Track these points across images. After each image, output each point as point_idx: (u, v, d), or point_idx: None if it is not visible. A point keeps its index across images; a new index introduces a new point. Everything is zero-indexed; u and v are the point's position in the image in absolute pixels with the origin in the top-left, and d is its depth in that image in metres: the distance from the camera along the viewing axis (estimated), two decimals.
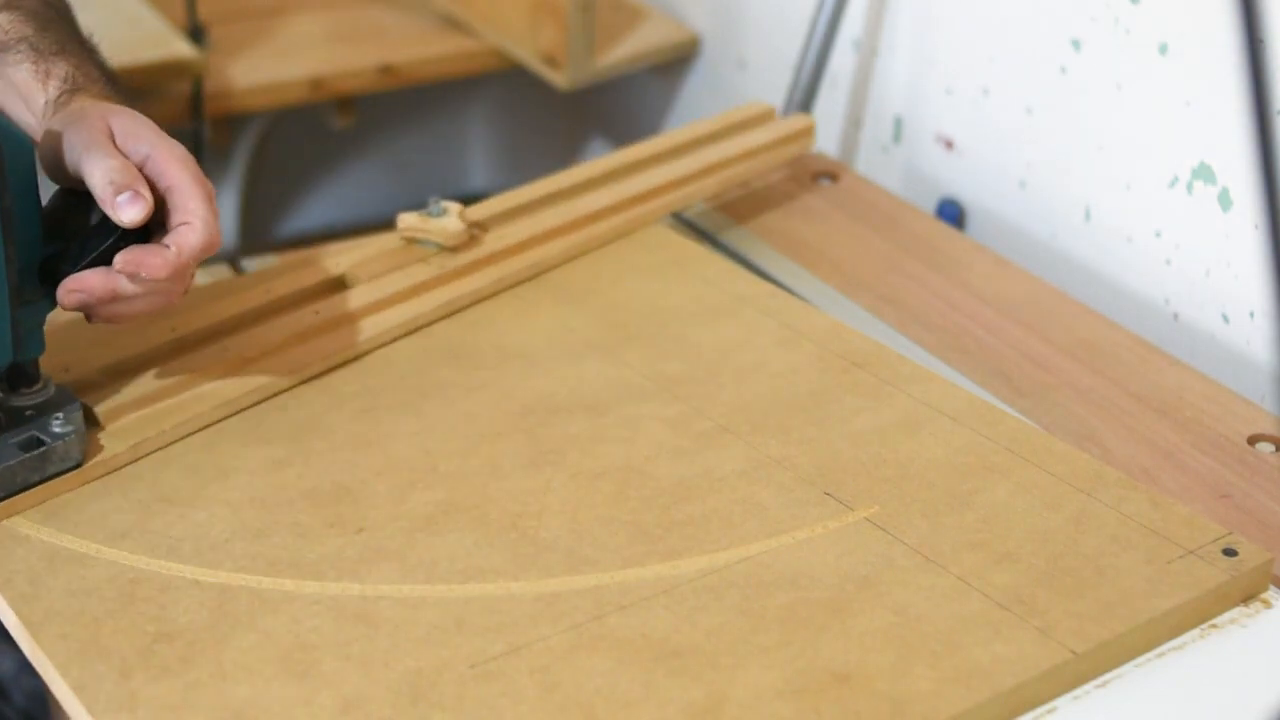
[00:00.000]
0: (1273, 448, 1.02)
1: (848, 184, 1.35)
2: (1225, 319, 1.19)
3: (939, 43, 1.41)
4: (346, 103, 1.77)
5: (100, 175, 0.85)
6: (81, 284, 0.87)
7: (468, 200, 1.17)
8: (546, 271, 1.15)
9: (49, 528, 0.88)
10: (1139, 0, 1.21)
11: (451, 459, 0.95)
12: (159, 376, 0.98)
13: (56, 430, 0.90)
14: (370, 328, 1.05)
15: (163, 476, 0.92)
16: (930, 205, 1.43)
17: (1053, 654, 0.81)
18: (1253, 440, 1.03)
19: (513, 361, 1.05)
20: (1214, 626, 0.86)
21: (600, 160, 1.25)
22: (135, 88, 1.50)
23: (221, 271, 1.17)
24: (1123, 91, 1.24)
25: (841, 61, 1.51)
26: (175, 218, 0.87)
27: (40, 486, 0.90)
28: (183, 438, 0.95)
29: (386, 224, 1.15)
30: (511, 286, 1.13)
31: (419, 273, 1.10)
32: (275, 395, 1.00)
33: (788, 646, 0.81)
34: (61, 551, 0.86)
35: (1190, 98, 1.18)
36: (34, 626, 0.81)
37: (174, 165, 0.87)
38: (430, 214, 1.13)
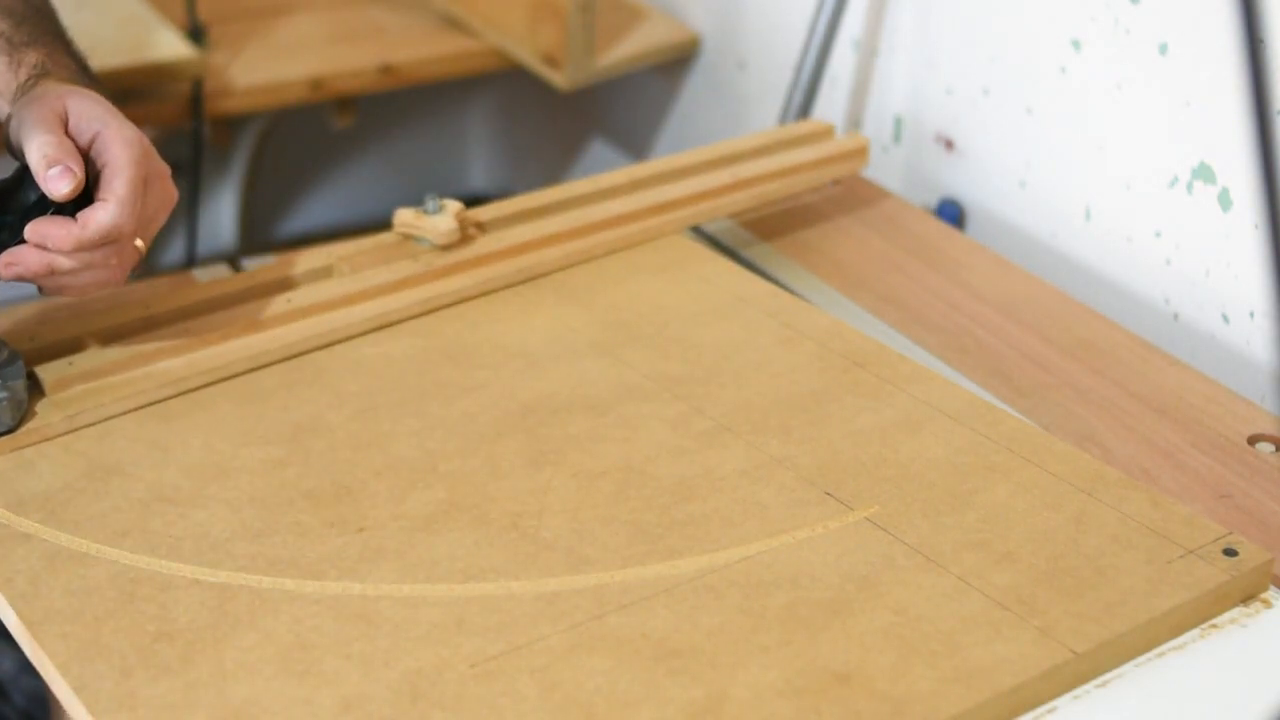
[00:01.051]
0: (1273, 448, 1.03)
1: (848, 184, 1.35)
2: (1225, 319, 1.19)
3: (939, 43, 1.41)
4: (346, 103, 1.77)
5: (36, 150, 0.88)
6: (17, 257, 0.90)
7: (468, 200, 1.17)
8: (539, 277, 1.14)
9: (49, 527, 0.88)
10: (1139, 0, 1.21)
11: (452, 459, 0.95)
12: (116, 352, 1.00)
13: None
14: (338, 319, 1.06)
15: (163, 477, 0.92)
16: (930, 205, 1.43)
17: (1053, 654, 0.81)
18: (1253, 440, 1.03)
19: (513, 361, 1.05)
20: (1214, 626, 0.86)
21: (626, 170, 1.24)
22: (134, 88, 1.51)
23: (221, 271, 1.17)
24: (1123, 91, 1.24)
25: (841, 61, 1.51)
26: (98, 194, 0.90)
27: None
28: (123, 413, 0.97)
29: (387, 224, 1.15)
30: (499, 289, 1.12)
31: (403, 269, 1.10)
32: (228, 379, 1.01)
33: (788, 646, 0.81)
34: (62, 551, 0.86)
35: (1190, 98, 1.18)
36: (34, 626, 0.81)
37: (116, 145, 0.90)
38: (426, 211, 1.13)
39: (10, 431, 0.93)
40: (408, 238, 1.13)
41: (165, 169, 0.93)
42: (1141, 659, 0.84)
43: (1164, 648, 0.85)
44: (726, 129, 1.69)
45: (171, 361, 1.00)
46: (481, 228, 1.15)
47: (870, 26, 1.48)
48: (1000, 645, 0.81)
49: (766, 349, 1.06)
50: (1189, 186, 1.20)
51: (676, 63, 1.76)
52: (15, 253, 0.90)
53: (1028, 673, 0.80)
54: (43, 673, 0.81)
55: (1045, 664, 0.80)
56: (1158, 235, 1.23)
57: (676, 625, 0.82)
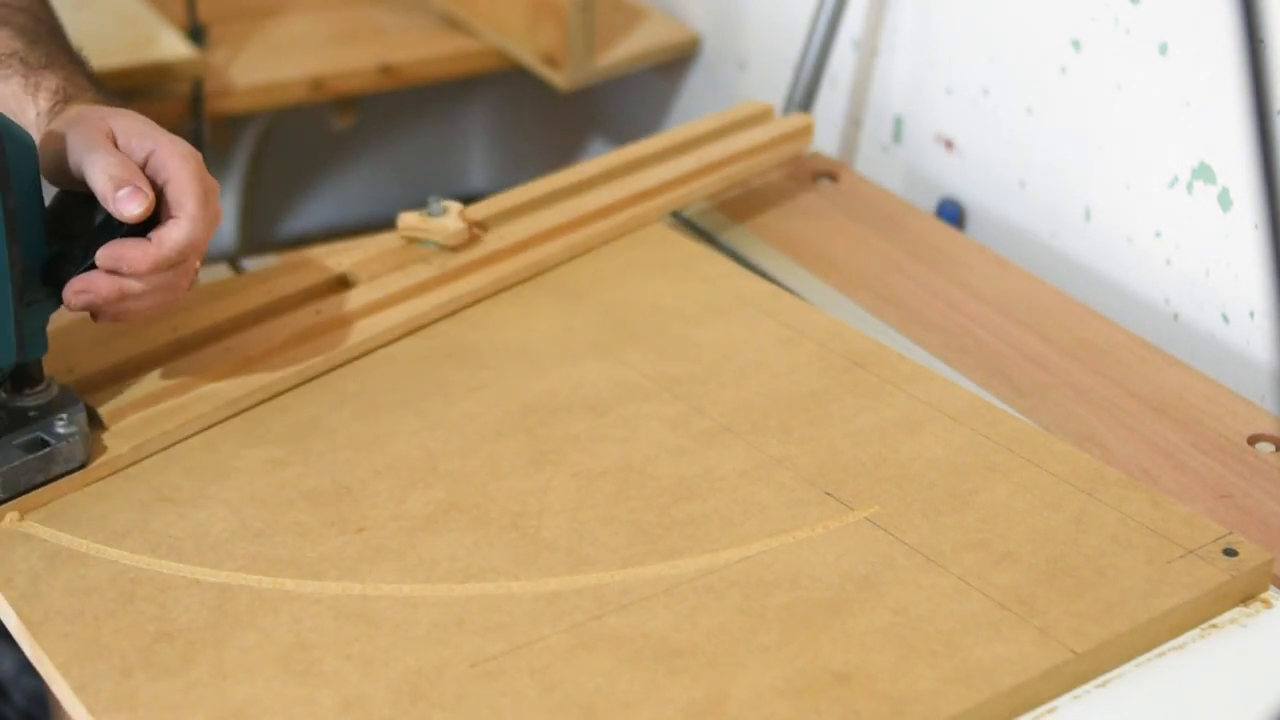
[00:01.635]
0: (1273, 448, 1.03)
1: (848, 184, 1.35)
2: (1225, 319, 1.19)
3: (939, 43, 1.41)
4: (346, 103, 1.77)
5: (100, 172, 0.86)
6: (88, 284, 0.88)
7: (468, 200, 1.17)
8: (547, 270, 1.15)
9: (50, 527, 0.88)
10: (1139, 0, 1.21)
11: (452, 458, 0.95)
12: (162, 377, 0.98)
13: (60, 431, 0.90)
14: (372, 327, 1.05)
15: (163, 477, 0.92)
16: (930, 205, 1.43)
17: (1053, 654, 0.81)
18: (1253, 440, 1.03)
19: (513, 361, 1.05)
20: (1214, 626, 0.86)
21: (600, 159, 1.26)
22: (135, 88, 1.51)
23: (221, 271, 1.17)
24: (1123, 91, 1.24)
25: (841, 61, 1.51)
26: (166, 212, 0.88)
27: (45, 488, 0.89)
28: (185, 438, 0.95)
29: (386, 224, 1.15)
30: (512, 286, 1.13)
31: (420, 272, 1.10)
32: (278, 395, 1.00)
33: (788, 646, 0.81)
34: (61, 551, 0.86)
35: (1190, 98, 1.18)
36: (34, 626, 0.81)
37: (174, 160, 0.88)
38: (431, 213, 1.13)
39: (82, 467, 0.91)
40: (413, 241, 1.13)
41: (216, 185, 0.91)
42: (1141, 659, 0.84)
43: (1164, 648, 0.85)
44: None
45: (224, 383, 0.98)
46: (482, 226, 1.15)
47: (870, 26, 1.48)
48: (1000, 645, 0.81)
49: (766, 349, 1.06)
50: (1189, 186, 1.20)
51: (676, 63, 1.76)
52: (86, 279, 0.87)
53: (1028, 673, 0.80)
54: (43, 673, 0.81)
55: (1045, 664, 0.80)
56: (1158, 235, 1.23)
57: (676, 625, 0.82)
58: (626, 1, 1.77)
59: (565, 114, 2.00)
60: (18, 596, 0.83)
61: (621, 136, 1.90)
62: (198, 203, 0.87)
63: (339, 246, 1.15)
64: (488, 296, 1.11)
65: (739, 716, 0.77)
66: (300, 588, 0.84)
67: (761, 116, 1.34)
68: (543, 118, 2.06)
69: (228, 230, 1.95)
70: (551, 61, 1.65)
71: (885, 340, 1.10)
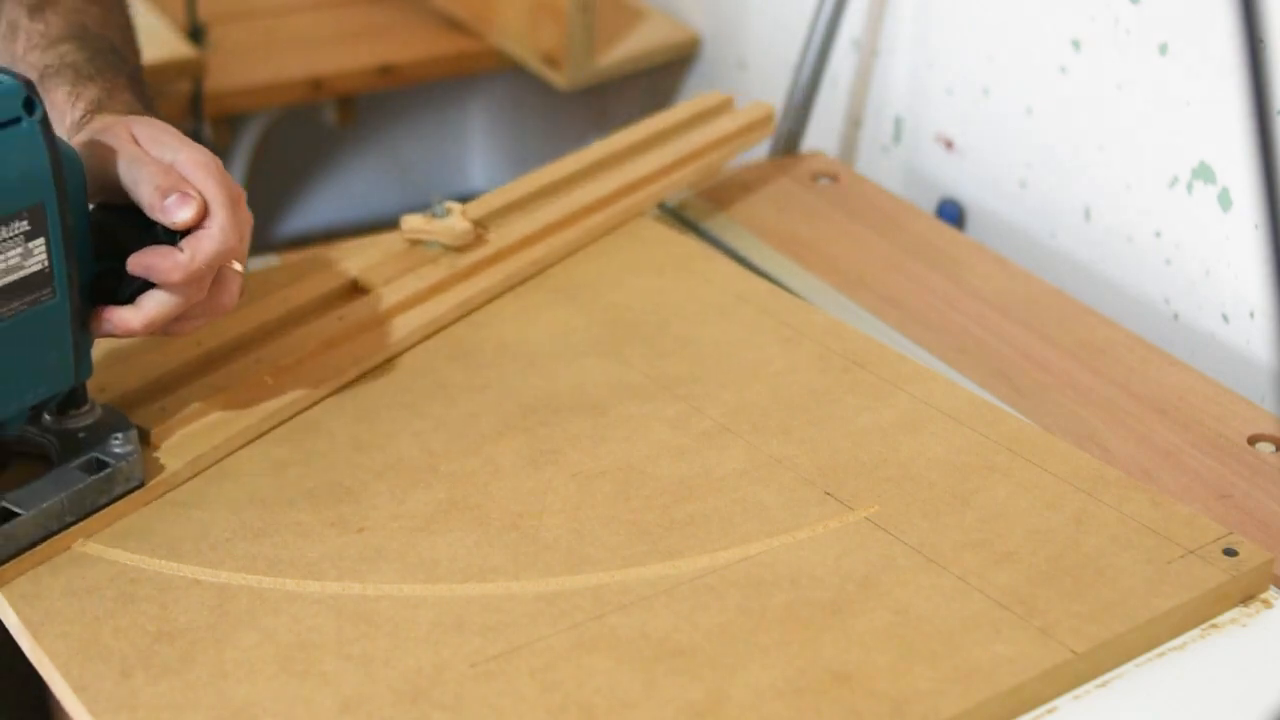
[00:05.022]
0: (1273, 448, 1.03)
1: (848, 184, 1.35)
2: (1225, 319, 1.19)
3: (939, 43, 1.41)
4: (346, 103, 1.77)
5: (145, 181, 0.85)
6: (122, 323, 0.86)
7: (467, 201, 1.17)
8: (552, 266, 1.15)
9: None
10: (1139, 0, 1.21)
11: (452, 459, 0.95)
12: (199, 392, 0.97)
13: (117, 451, 0.88)
14: (397, 330, 1.05)
15: (163, 476, 0.92)
16: (930, 205, 1.43)
17: (1053, 654, 0.81)
18: (1253, 440, 1.03)
19: (514, 361, 1.05)
20: (1214, 626, 0.86)
21: (580, 154, 1.25)
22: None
23: None
24: (1123, 91, 1.24)
25: (841, 61, 1.51)
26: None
27: (106, 510, 0.88)
28: (234, 450, 0.95)
29: (386, 224, 1.15)
30: (520, 283, 1.13)
31: (431, 274, 1.10)
32: (316, 404, 0.99)
33: (788, 646, 0.81)
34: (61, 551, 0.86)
35: (1190, 98, 1.18)
36: (34, 626, 0.81)
37: (199, 171, 0.86)
38: (435, 215, 1.13)
39: (141, 486, 0.90)
40: (416, 242, 1.13)
41: (242, 191, 0.90)
42: (1141, 659, 0.84)
43: (1164, 648, 0.85)
44: None
45: (263, 394, 0.97)
46: (483, 225, 1.15)
47: (870, 26, 1.48)
48: (1000, 645, 0.81)
49: (766, 349, 1.06)
50: (1189, 186, 1.20)
51: (676, 63, 1.76)
52: (157, 306, 0.86)
53: (1028, 673, 0.80)
54: (42, 673, 0.81)
55: (1045, 664, 0.80)
56: (1158, 235, 1.23)
57: (676, 625, 0.82)
58: (626, 1, 1.77)
59: (565, 114, 2.00)
60: (17, 596, 0.83)
61: None
62: (226, 210, 0.86)
63: (342, 247, 1.15)
64: (498, 295, 1.11)
65: (739, 716, 0.77)
66: (300, 588, 0.84)
67: (722, 107, 1.35)
68: (543, 118, 2.06)
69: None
70: (551, 61, 1.65)
71: (885, 340, 1.10)
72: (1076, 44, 1.27)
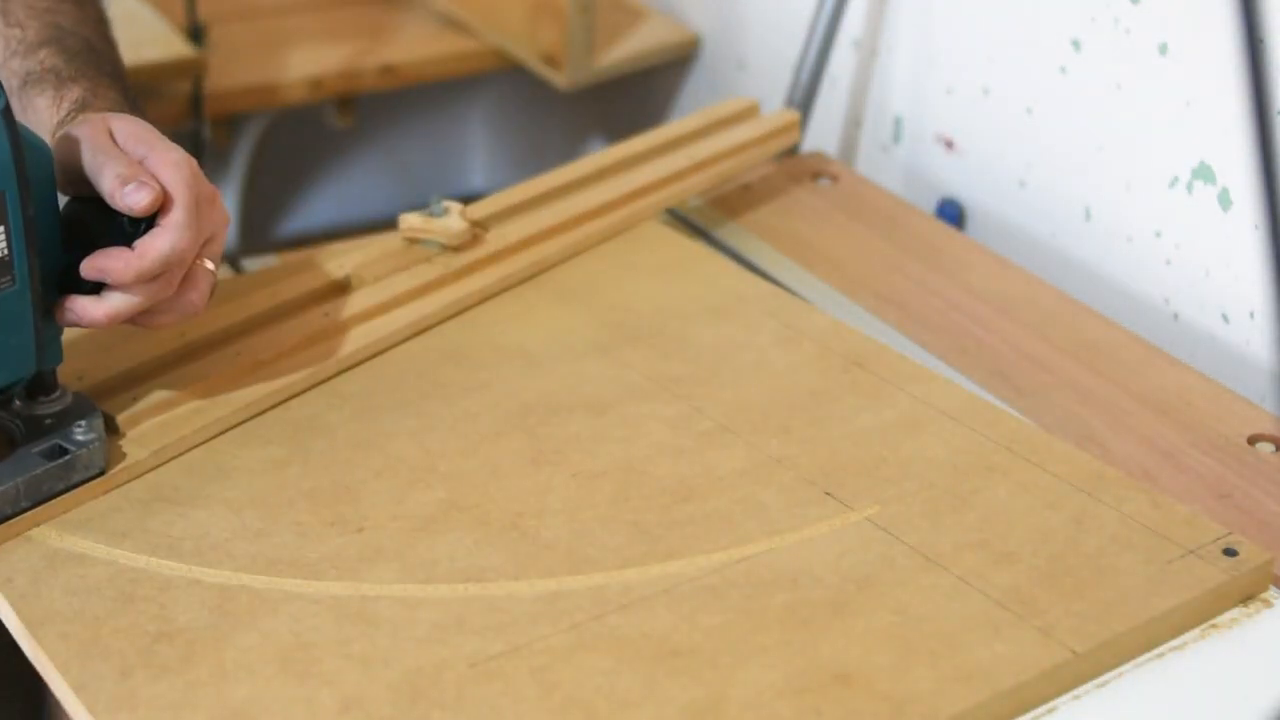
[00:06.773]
0: (1273, 448, 1.03)
1: (848, 184, 1.35)
2: (1225, 319, 1.19)
3: (939, 43, 1.41)
4: (346, 103, 1.77)
5: (107, 170, 0.86)
6: (81, 312, 0.87)
7: (468, 201, 1.17)
8: (549, 269, 1.15)
9: (49, 528, 0.88)
10: (1139, 0, 1.21)
11: (452, 459, 0.95)
12: (174, 382, 0.97)
13: (79, 438, 0.89)
14: (381, 328, 1.05)
15: (162, 477, 0.92)
16: (930, 205, 1.43)
17: (1053, 654, 0.81)
18: (1253, 440, 1.03)
19: (513, 361, 1.05)
20: (1214, 626, 0.86)
21: (592, 157, 1.26)
22: (135, 88, 1.50)
23: (222, 272, 1.17)
24: (1123, 91, 1.24)
25: (841, 61, 1.51)
26: (157, 220, 0.87)
27: (65, 496, 0.88)
28: (203, 442, 0.95)
29: (387, 224, 1.15)
30: (516, 285, 1.13)
31: (424, 273, 1.10)
32: (292, 398, 0.99)
33: (788, 646, 0.81)
34: (61, 551, 0.86)
35: (1190, 98, 1.18)
36: (34, 626, 0.81)
37: (167, 169, 0.87)
38: (432, 214, 1.13)
39: (102, 474, 0.90)
40: (414, 242, 1.13)
41: (214, 190, 0.90)
42: (1141, 659, 0.84)
43: (1164, 648, 0.85)
44: None
45: (237, 386, 0.98)
46: (482, 225, 1.15)
47: (870, 26, 1.48)
48: (1000, 645, 0.81)
49: (766, 349, 1.06)
50: (1189, 186, 1.20)
51: (676, 63, 1.76)
52: (79, 306, 0.87)
53: (1028, 673, 0.80)
54: (42, 673, 0.81)
55: (1045, 664, 0.80)
56: (1158, 235, 1.23)
57: (676, 625, 0.82)
58: (626, 1, 1.77)
59: (565, 114, 2.00)
60: (17, 597, 0.83)
61: (622, 136, 1.89)
62: (185, 211, 0.86)
63: (341, 247, 1.15)
64: (492, 296, 1.11)
65: (739, 716, 0.77)
66: (300, 588, 0.84)
67: (748, 112, 1.34)
68: (543, 118, 2.05)
69: (228, 230, 1.95)
70: (551, 61, 1.65)
71: (885, 340, 1.10)
72: (1076, 44, 1.27)
